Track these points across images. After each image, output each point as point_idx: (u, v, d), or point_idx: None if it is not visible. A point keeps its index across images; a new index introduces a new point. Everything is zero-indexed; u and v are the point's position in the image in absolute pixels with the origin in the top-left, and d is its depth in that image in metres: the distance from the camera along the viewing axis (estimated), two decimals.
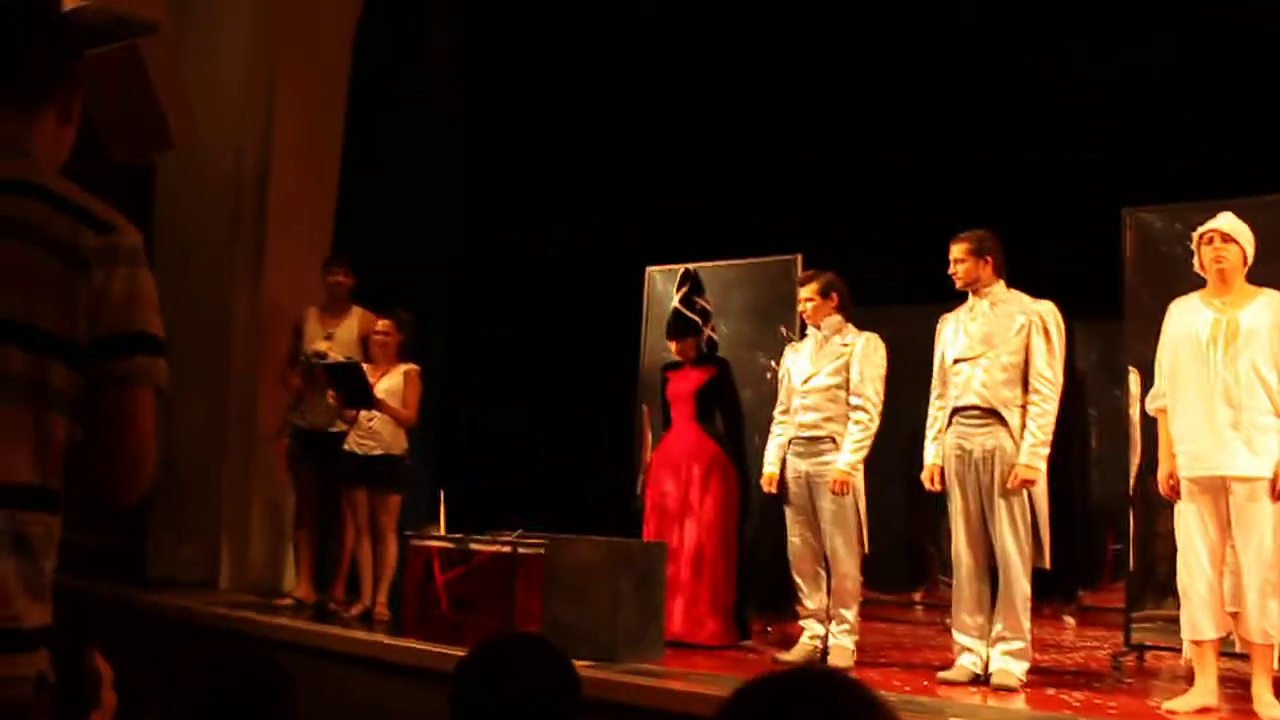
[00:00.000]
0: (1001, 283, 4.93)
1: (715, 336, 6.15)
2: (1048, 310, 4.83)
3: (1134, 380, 5.24)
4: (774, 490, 5.46)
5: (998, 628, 4.73)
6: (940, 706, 4.20)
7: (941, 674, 4.79)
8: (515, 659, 1.95)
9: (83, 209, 1.69)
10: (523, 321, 8.63)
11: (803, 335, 5.70)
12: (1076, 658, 5.73)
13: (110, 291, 1.67)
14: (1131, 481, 5.22)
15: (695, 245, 6.70)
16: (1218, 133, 7.00)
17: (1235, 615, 4.26)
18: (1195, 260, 4.50)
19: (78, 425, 1.68)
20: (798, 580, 5.41)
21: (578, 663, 2.88)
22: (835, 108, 8.01)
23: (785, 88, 8.03)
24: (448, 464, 7.59)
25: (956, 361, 4.90)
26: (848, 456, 5.23)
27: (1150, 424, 4.77)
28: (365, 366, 6.25)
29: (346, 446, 6.32)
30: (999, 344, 4.81)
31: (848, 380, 5.33)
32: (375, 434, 6.27)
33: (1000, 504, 4.73)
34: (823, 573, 5.38)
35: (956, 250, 4.93)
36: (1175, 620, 4.51)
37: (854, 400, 5.29)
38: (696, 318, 6.00)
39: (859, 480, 5.27)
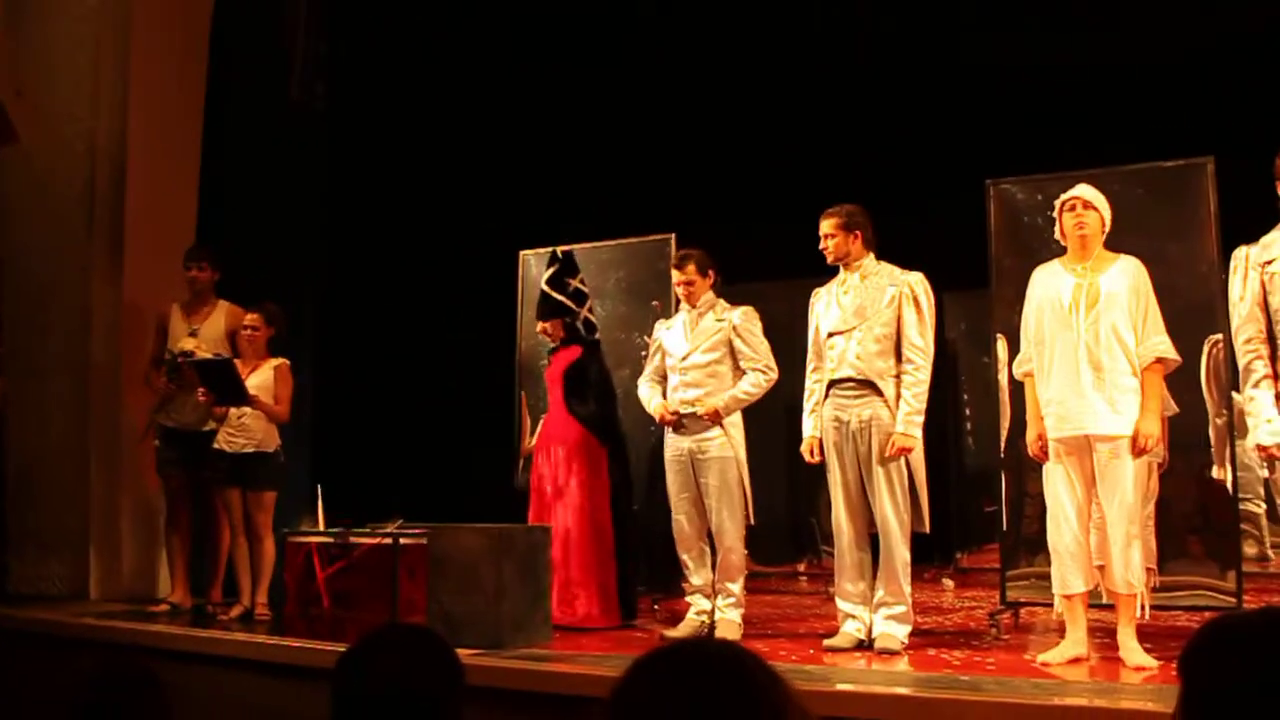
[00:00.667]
0: (871, 256, 5.03)
1: (593, 318, 6.14)
2: (917, 281, 4.94)
3: (1001, 347, 5.39)
4: (670, 418, 5.40)
5: (879, 594, 4.83)
6: (827, 674, 4.28)
7: (827, 642, 4.87)
8: (395, 650, 1.92)
9: None
10: (396, 310, 8.51)
11: (676, 312, 5.72)
12: (956, 618, 5.90)
13: None
14: (1002, 445, 5.37)
15: (569, 227, 6.69)
16: (1073, 109, 7.26)
17: (1102, 568, 4.43)
18: (1057, 228, 4.64)
19: None
20: (683, 557, 5.45)
21: (465, 651, 2.87)
22: (703, 86, 8.07)
23: (652, 68, 8.06)
24: (324, 458, 7.45)
25: (830, 335, 4.99)
26: (736, 395, 5.30)
27: (1018, 389, 4.91)
28: (234, 362, 6.11)
29: (217, 445, 6.17)
30: (871, 316, 4.90)
31: (729, 354, 5.38)
32: (247, 431, 6.14)
33: (878, 473, 4.83)
34: (707, 549, 5.44)
35: (826, 225, 5.01)
36: (1047, 577, 4.67)
37: (750, 364, 5.34)
38: (565, 299, 5.97)
39: (742, 454, 5.34)
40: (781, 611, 6.38)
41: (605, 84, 8.10)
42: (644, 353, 5.92)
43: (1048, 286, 4.57)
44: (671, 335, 5.57)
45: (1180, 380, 4.82)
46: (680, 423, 5.41)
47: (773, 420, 5.95)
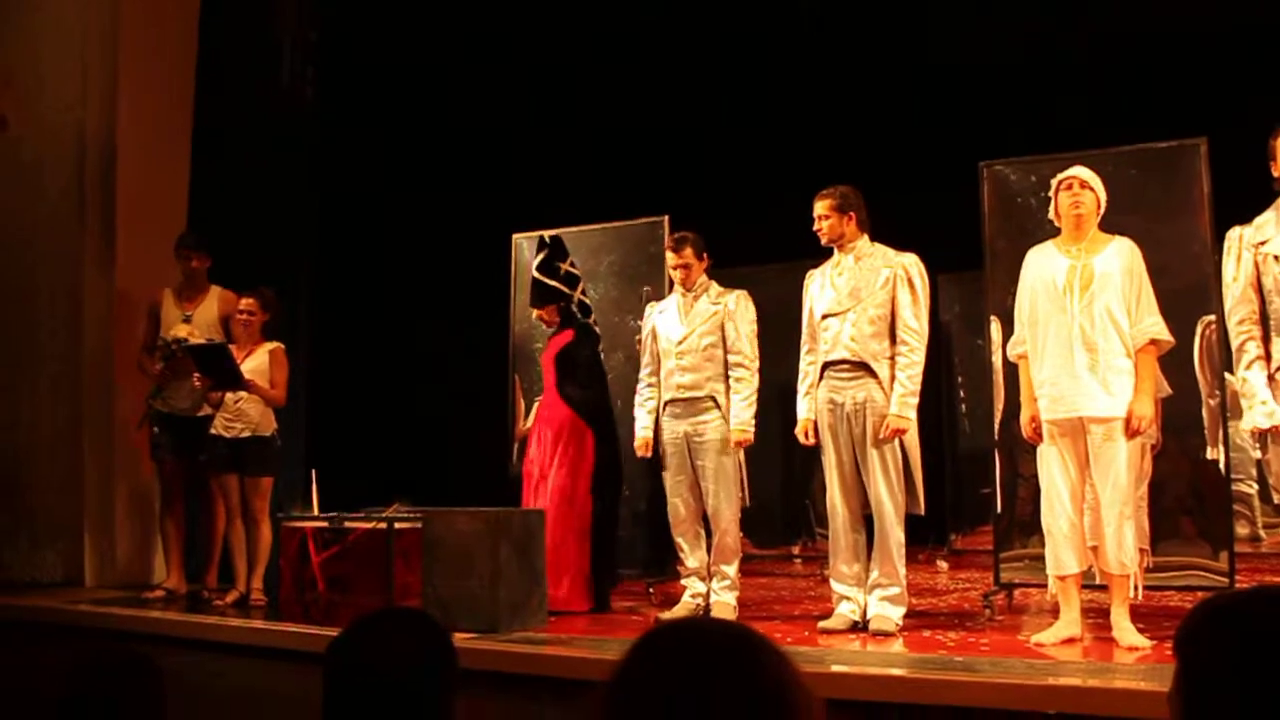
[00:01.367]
0: (865, 237, 5.02)
1: (586, 300, 6.13)
2: (911, 262, 4.93)
3: (995, 328, 5.39)
4: (648, 454, 5.48)
5: (874, 575, 4.84)
6: (822, 655, 4.29)
7: (822, 624, 4.89)
8: (387, 634, 1.91)
9: None
10: (389, 294, 8.49)
11: (669, 294, 5.71)
12: (950, 600, 5.92)
13: None
14: (996, 427, 5.38)
15: (560, 210, 6.67)
16: (1066, 90, 7.25)
17: (1095, 549, 4.44)
18: (1051, 208, 4.64)
19: None
20: (678, 540, 5.45)
21: (461, 635, 2.85)
22: (695, 68, 8.05)
23: (643, 49, 8.03)
24: (318, 442, 7.44)
25: (825, 317, 4.98)
26: (741, 415, 5.28)
27: (1013, 370, 4.91)
28: (230, 347, 6.09)
29: (213, 430, 6.15)
30: (865, 298, 4.89)
31: (723, 338, 5.37)
32: (243, 416, 6.12)
33: (873, 454, 4.83)
34: (702, 532, 5.45)
35: (820, 207, 5.00)
36: (1041, 558, 4.68)
37: (733, 358, 5.34)
38: (556, 284, 5.96)
39: (745, 438, 5.31)
40: (776, 594, 6.40)
41: (596, 66, 8.08)
42: (638, 337, 5.88)
43: (1041, 268, 4.57)
44: (665, 319, 5.55)
45: (1173, 361, 4.84)
46: (676, 408, 5.40)
47: (767, 403, 5.92)
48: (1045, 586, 4.75)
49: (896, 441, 4.82)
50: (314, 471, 5.86)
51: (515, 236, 6.93)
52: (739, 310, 5.40)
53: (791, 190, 5.40)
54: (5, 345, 7.15)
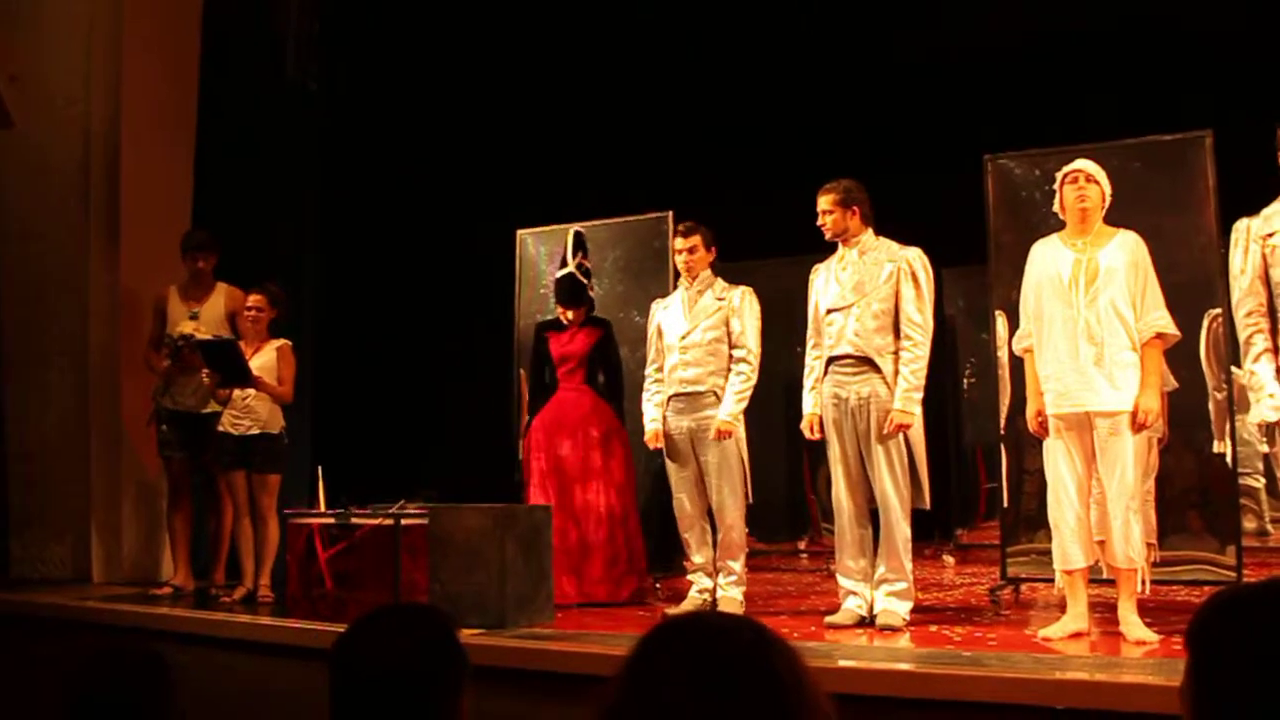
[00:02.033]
0: (870, 231, 5.00)
1: (593, 295, 6.19)
2: (915, 256, 4.91)
3: (1000, 323, 5.38)
4: (660, 445, 5.49)
5: (880, 570, 4.83)
6: (829, 650, 4.28)
7: (828, 618, 4.88)
8: (393, 630, 1.90)
9: None
10: (393, 290, 8.49)
11: (674, 289, 5.71)
12: (957, 594, 5.91)
13: None
14: (1002, 421, 5.37)
15: (565, 206, 6.68)
16: (1070, 83, 7.23)
17: (1102, 543, 4.43)
18: (1056, 201, 4.62)
19: None
20: (684, 536, 5.45)
21: (468, 631, 2.85)
22: (699, 62, 8.03)
23: (647, 43, 8.02)
24: (324, 438, 7.44)
25: (829, 311, 4.97)
26: (730, 406, 5.28)
27: (1018, 365, 4.90)
28: (243, 343, 6.10)
29: (221, 428, 6.15)
30: (869, 292, 4.88)
31: (727, 334, 5.37)
32: (252, 413, 6.11)
33: (878, 449, 4.82)
34: (708, 527, 5.44)
35: (824, 202, 4.98)
36: (1047, 553, 4.68)
37: (736, 353, 5.34)
38: (586, 281, 6.04)
39: (741, 431, 5.33)
40: (783, 589, 6.39)
41: (600, 60, 8.06)
42: (643, 334, 5.86)
43: (1046, 262, 4.55)
44: (669, 314, 5.55)
45: (1180, 355, 4.82)
46: (680, 402, 5.40)
47: (772, 398, 5.96)
48: (1052, 581, 4.74)
49: (901, 436, 4.81)
50: (320, 468, 5.86)
51: (520, 232, 6.92)
52: (744, 306, 5.39)
53: (796, 184, 5.39)
54: (13, 341, 7.16)
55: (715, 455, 5.30)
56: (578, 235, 6.12)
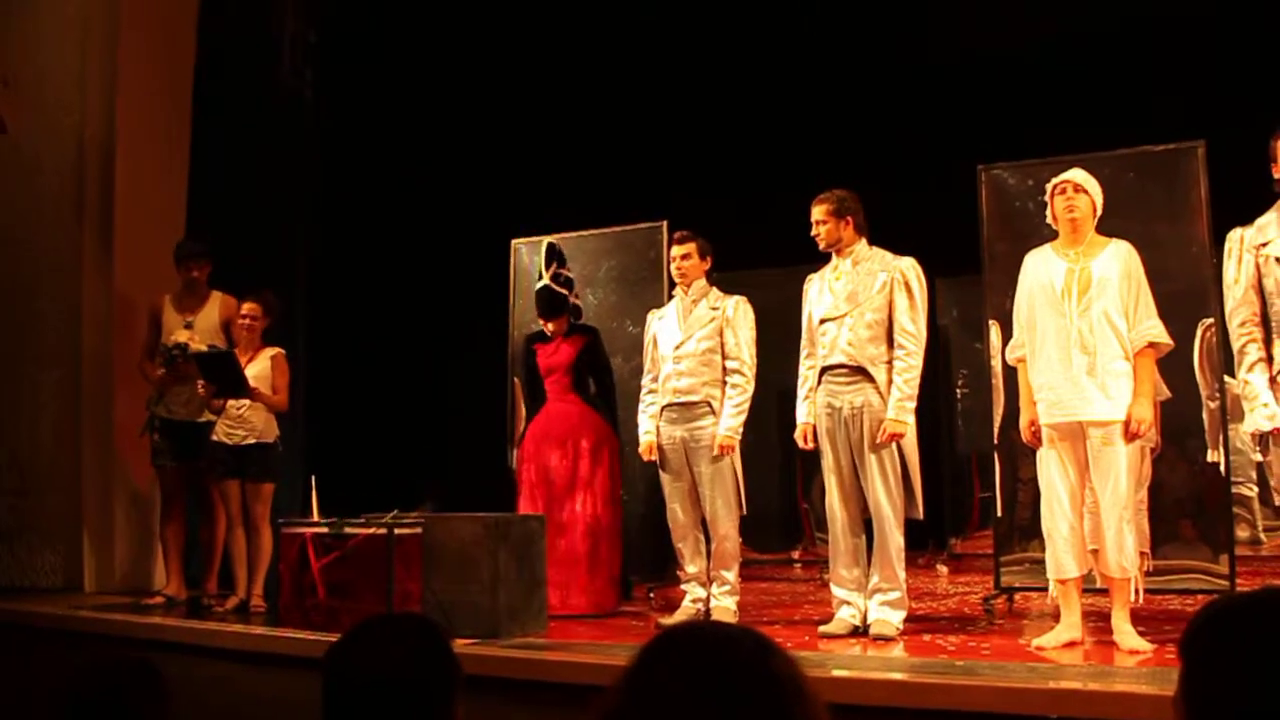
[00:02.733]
0: (864, 241, 5.01)
1: (579, 303, 6.18)
2: (909, 266, 4.92)
3: (994, 332, 5.38)
4: (654, 458, 5.49)
5: (874, 580, 4.82)
6: (823, 660, 4.27)
7: (822, 628, 4.88)
8: (386, 640, 1.90)
9: None
10: (387, 299, 8.48)
11: (669, 299, 5.71)
12: (950, 604, 5.91)
13: None
14: (996, 431, 5.37)
15: (559, 215, 6.67)
16: (1063, 93, 7.25)
17: (1095, 553, 4.43)
18: (1048, 212, 4.63)
19: None
20: (678, 546, 5.45)
21: (461, 641, 2.84)
22: (693, 72, 8.05)
23: (642, 54, 8.04)
24: (317, 448, 7.43)
25: (823, 321, 4.97)
26: (729, 421, 5.28)
27: (1012, 374, 4.90)
28: (237, 351, 6.09)
29: (215, 437, 6.12)
30: (863, 302, 4.88)
31: (721, 344, 5.37)
32: (246, 422, 6.09)
33: (871, 459, 4.82)
34: (702, 537, 5.43)
35: (817, 212, 4.99)
36: (1041, 562, 4.68)
37: (730, 364, 5.34)
38: (564, 291, 6.01)
39: (737, 444, 5.31)
40: (776, 598, 6.39)
41: (594, 71, 8.08)
42: (639, 345, 5.85)
43: (1039, 272, 4.56)
44: (664, 324, 5.55)
45: (1173, 365, 4.83)
46: (673, 412, 5.40)
47: (765, 407, 5.95)
48: (1046, 590, 4.74)
49: (895, 446, 4.80)
50: (313, 477, 5.84)
51: (514, 242, 6.93)
52: (738, 316, 5.39)
53: (790, 194, 5.40)
54: (5, 348, 7.13)
55: (709, 466, 5.30)
56: (550, 246, 6.09)
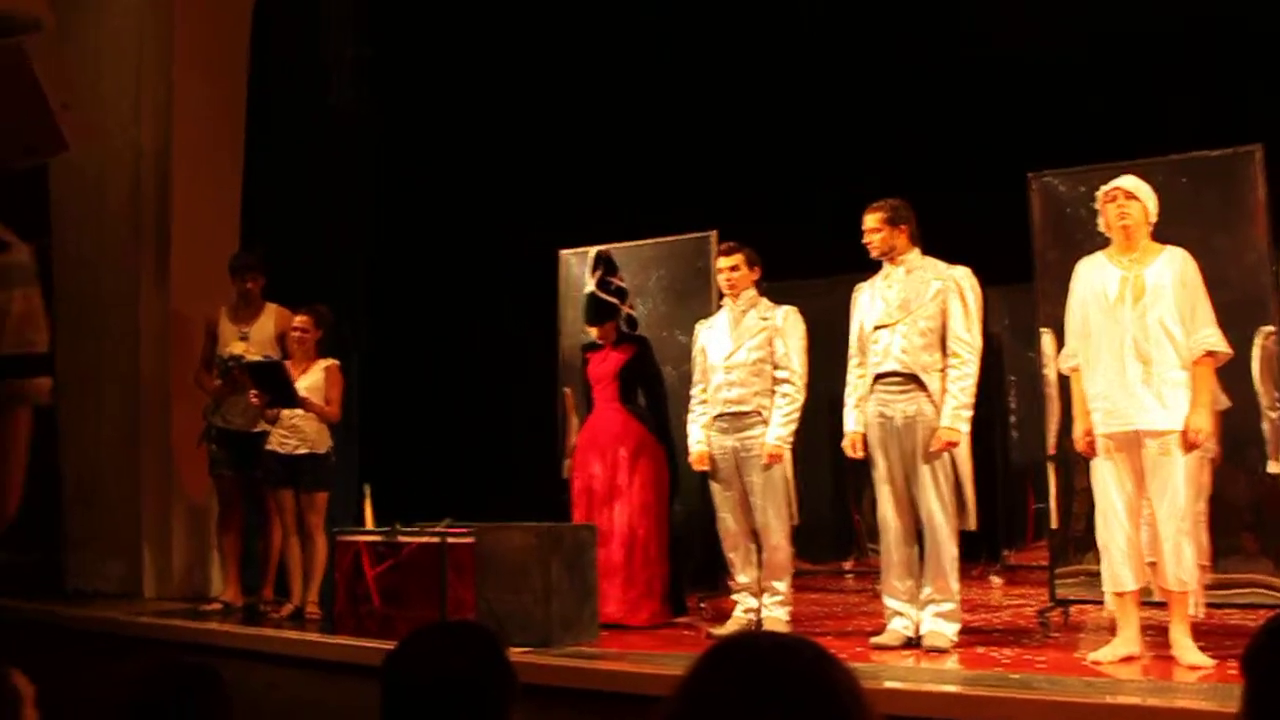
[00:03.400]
0: (917, 251, 4.97)
1: (634, 313, 6.16)
2: (963, 275, 4.88)
3: (1047, 341, 5.32)
4: (705, 468, 5.47)
5: (927, 591, 4.78)
6: (875, 671, 4.25)
7: (874, 639, 4.83)
8: (445, 647, 1.92)
9: None
10: (440, 311, 8.54)
11: (718, 310, 5.70)
12: (1004, 616, 5.84)
13: (9, 313, 1.65)
14: (1050, 441, 5.30)
15: (609, 226, 6.67)
16: (1115, 98, 7.16)
17: (1153, 565, 4.37)
18: (1100, 220, 4.58)
19: None
20: (729, 556, 5.43)
21: (513, 650, 2.87)
22: (742, 82, 8.04)
23: (692, 64, 8.04)
24: (372, 458, 7.50)
25: (876, 328, 4.93)
26: (778, 431, 5.25)
27: (1066, 383, 4.83)
28: (286, 365, 6.15)
29: (269, 447, 6.20)
30: (916, 309, 4.84)
31: (771, 354, 5.35)
32: (299, 432, 6.16)
33: (924, 469, 4.77)
34: (753, 547, 5.41)
35: (871, 220, 4.96)
36: (1097, 574, 4.60)
37: (780, 374, 5.32)
38: (613, 299, 6.00)
39: (787, 453, 5.30)
40: (828, 609, 6.35)
41: (645, 82, 8.09)
42: (690, 354, 5.84)
43: (1093, 279, 4.51)
44: (713, 335, 5.54)
45: (1232, 374, 4.74)
46: (724, 422, 5.39)
47: (816, 416, 5.90)
48: (1102, 603, 4.68)
49: (948, 455, 4.76)
50: (367, 486, 5.91)
51: (563, 252, 6.94)
52: (788, 326, 5.38)
53: (838, 203, 5.38)
54: (67, 363, 7.26)
55: (760, 475, 5.28)
56: (598, 254, 6.09)
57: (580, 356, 6.27)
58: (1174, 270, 4.34)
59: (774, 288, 5.67)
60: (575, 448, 6.15)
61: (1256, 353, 4.94)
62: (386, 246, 8.36)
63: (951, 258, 4.97)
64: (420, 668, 1.90)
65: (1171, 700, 3.55)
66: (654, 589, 5.74)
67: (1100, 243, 4.63)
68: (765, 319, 5.41)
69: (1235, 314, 4.68)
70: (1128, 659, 4.27)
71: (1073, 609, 5.48)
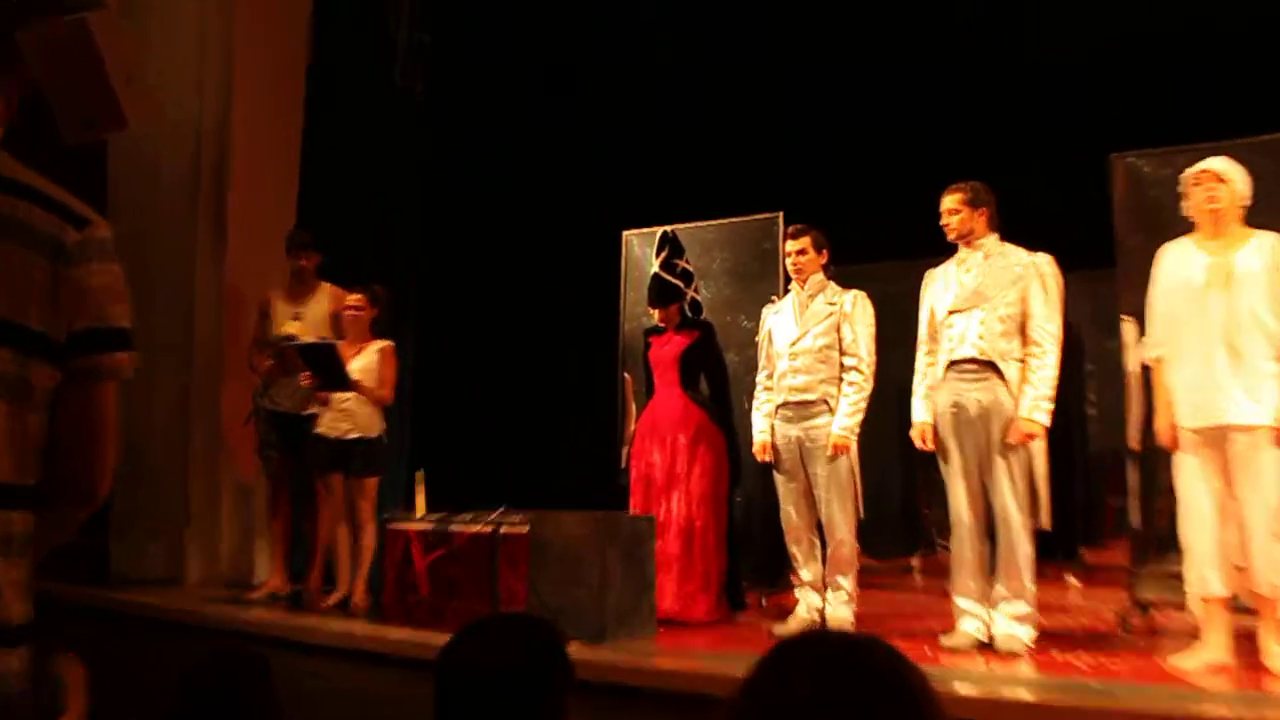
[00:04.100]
0: (995, 235, 4.87)
1: (699, 297, 6.13)
2: (1044, 262, 4.77)
3: (1129, 330, 5.20)
4: (768, 458, 5.42)
5: (1000, 591, 4.68)
6: (944, 674, 4.16)
7: (944, 640, 4.74)
8: (503, 639, 1.92)
9: (63, 205, 1.71)
10: (497, 292, 8.55)
11: (785, 294, 5.65)
12: (1082, 619, 5.69)
13: (89, 288, 1.72)
14: (1131, 435, 5.18)
15: (672, 206, 6.65)
16: (1202, 76, 6.99)
17: (1242, 569, 4.26)
18: (1186, 204, 4.47)
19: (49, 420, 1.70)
20: (792, 550, 5.38)
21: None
22: (810, 60, 7.96)
23: (760, 43, 7.98)
24: (424, 443, 7.54)
25: (951, 313, 4.84)
26: (844, 420, 5.19)
27: (1148, 374, 4.71)
28: (338, 346, 6.15)
29: (319, 430, 6.20)
30: (994, 295, 4.75)
31: (838, 340, 5.29)
32: (350, 415, 6.16)
33: (999, 461, 4.67)
34: (817, 542, 5.36)
35: (950, 201, 4.87)
36: (1180, 575, 4.46)
37: (848, 361, 5.26)
38: (678, 282, 5.97)
39: (854, 444, 5.24)
40: (896, 608, 6.27)
41: (708, 61, 8.05)
42: (754, 339, 5.82)
43: (1178, 266, 4.39)
44: (780, 320, 5.49)
45: None
46: (789, 411, 5.34)
47: (884, 405, 5.80)
48: (1186, 606, 4.57)
49: (1024, 448, 4.66)
50: (419, 473, 5.91)
51: (626, 233, 6.93)
52: (856, 311, 5.31)
53: (910, 186, 5.30)
54: None
55: (825, 467, 5.22)
56: (664, 235, 6.06)
57: (642, 340, 6.25)
58: (1265, 257, 4.22)
59: (842, 272, 5.59)
60: (634, 434, 6.13)
61: None
62: (444, 227, 8.38)
63: (1029, 243, 4.85)
64: (479, 659, 1.90)
65: (1262, 712, 3.45)
66: (711, 582, 5.68)
67: (1185, 227, 4.51)
68: (833, 304, 5.35)
69: None
70: (1215, 667, 4.15)
71: (1155, 612, 5.37)
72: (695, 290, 6.11)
